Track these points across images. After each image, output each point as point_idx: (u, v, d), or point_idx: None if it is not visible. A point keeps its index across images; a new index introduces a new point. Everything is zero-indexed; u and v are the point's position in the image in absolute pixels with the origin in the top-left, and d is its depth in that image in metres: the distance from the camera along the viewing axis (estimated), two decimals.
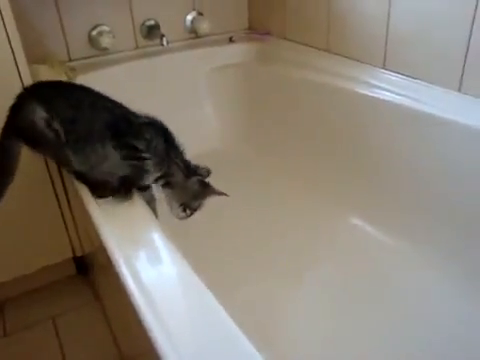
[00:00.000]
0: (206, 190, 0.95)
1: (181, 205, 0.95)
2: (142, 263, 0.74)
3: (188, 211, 0.95)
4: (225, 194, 0.96)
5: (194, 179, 0.95)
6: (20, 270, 1.32)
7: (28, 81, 1.13)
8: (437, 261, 1.19)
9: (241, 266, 1.24)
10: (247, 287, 1.18)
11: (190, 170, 0.96)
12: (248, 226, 1.39)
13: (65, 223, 1.32)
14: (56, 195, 1.28)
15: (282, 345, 1.04)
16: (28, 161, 1.23)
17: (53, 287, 1.40)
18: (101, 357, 1.22)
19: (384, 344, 1.04)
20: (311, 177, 1.54)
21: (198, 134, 1.73)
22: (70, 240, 1.35)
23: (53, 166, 1.23)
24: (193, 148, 1.69)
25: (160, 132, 0.94)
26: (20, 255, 1.30)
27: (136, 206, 0.89)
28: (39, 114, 0.85)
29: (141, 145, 0.90)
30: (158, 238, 0.80)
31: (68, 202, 1.30)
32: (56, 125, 0.85)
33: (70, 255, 1.37)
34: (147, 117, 0.96)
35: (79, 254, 1.38)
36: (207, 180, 0.98)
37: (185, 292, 0.69)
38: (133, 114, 0.95)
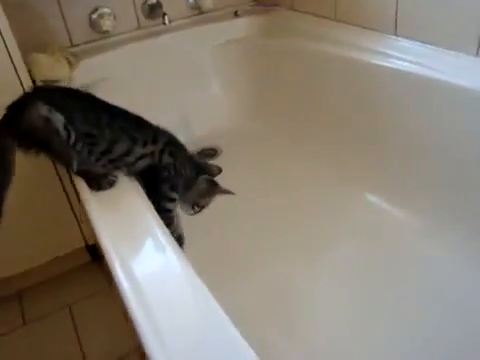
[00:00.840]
0: (214, 188, 0.98)
1: (190, 203, 0.99)
2: (136, 258, 0.72)
3: (197, 208, 0.99)
4: (232, 192, 0.99)
5: (202, 178, 0.97)
6: (34, 261, 1.34)
7: (24, 75, 1.11)
8: (452, 235, 1.15)
9: (256, 248, 1.22)
10: (264, 269, 1.17)
11: (199, 168, 0.99)
12: (262, 207, 1.36)
13: (75, 214, 1.32)
14: (63, 188, 1.28)
15: (301, 327, 1.03)
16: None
17: (69, 276, 1.41)
18: (117, 344, 1.22)
19: (402, 321, 1.02)
20: (324, 154, 1.49)
21: (206, 114, 1.70)
22: (81, 230, 1.35)
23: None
24: (202, 128, 1.70)
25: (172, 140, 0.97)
26: (33, 247, 1.32)
27: (133, 197, 0.87)
28: (56, 117, 0.81)
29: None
30: (155, 232, 0.77)
31: (77, 193, 1.29)
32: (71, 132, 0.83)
33: (82, 244, 1.37)
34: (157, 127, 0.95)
35: (91, 242, 1.39)
36: (215, 178, 1.01)
37: (180, 289, 0.66)
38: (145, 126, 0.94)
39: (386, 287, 1.10)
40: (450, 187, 1.17)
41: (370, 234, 1.25)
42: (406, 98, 1.22)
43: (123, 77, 1.53)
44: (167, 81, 1.65)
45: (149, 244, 0.76)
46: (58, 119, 0.81)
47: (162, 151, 0.92)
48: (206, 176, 0.98)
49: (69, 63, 1.40)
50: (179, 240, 1.02)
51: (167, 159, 0.93)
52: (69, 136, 0.82)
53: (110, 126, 0.86)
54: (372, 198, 1.34)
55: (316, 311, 1.08)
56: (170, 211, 0.96)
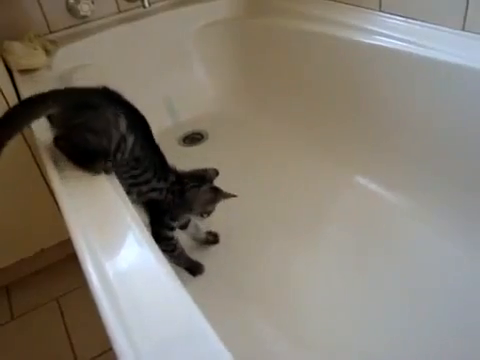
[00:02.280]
0: (217, 195, 1.01)
1: (199, 213, 1.03)
2: (109, 254, 0.70)
3: (205, 215, 1.03)
4: (234, 195, 1.02)
5: (205, 188, 1.00)
6: (20, 254, 1.33)
7: None
8: (442, 215, 1.14)
9: (243, 232, 1.22)
10: (253, 252, 1.16)
11: (199, 179, 1.01)
12: (249, 191, 1.33)
13: (58, 206, 1.30)
14: (45, 180, 1.25)
15: (292, 311, 1.03)
16: (14, 151, 1.21)
17: (56, 268, 1.40)
18: (106, 335, 1.21)
19: (391, 299, 1.02)
20: (311, 136, 1.46)
21: (191, 98, 1.67)
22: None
23: (39, 154, 1.19)
24: (187, 112, 1.67)
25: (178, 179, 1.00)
26: (19, 240, 1.31)
27: (108, 191, 0.83)
28: (129, 139, 0.84)
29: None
30: (130, 227, 0.74)
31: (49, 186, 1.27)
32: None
33: (67, 236, 1.35)
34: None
35: None
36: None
37: (153, 286, 0.64)
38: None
39: (376, 269, 1.09)
40: (440, 168, 1.15)
41: (359, 216, 1.24)
42: (392, 75, 1.19)
43: (104, 63, 1.50)
44: (150, 65, 1.61)
45: (124, 240, 0.74)
46: (129, 143, 0.84)
47: (168, 189, 0.97)
48: (208, 185, 1.01)
49: (46, 51, 1.36)
50: (195, 268, 1.10)
51: (170, 196, 0.98)
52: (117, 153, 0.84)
53: (150, 156, 0.91)
54: (361, 180, 1.32)
55: (305, 295, 1.07)
56: (171, 239, 1.03)
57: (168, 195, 0.97)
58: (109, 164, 0.85)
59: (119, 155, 0.85)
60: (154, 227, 1.00)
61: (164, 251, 1.01)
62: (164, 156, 0.96)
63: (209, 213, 1.04)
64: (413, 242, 1.14)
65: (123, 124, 0.83)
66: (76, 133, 0.83)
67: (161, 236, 1.01)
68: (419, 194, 1.20)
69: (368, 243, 1.15)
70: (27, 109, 0.80)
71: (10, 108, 0.81)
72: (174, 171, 0.99)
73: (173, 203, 0.99)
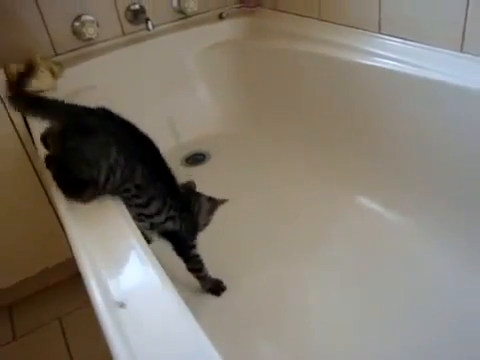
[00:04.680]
0: (214, 204, 1.03)
1: (202, 226, 1.04)
2: (114, 276, 0.70)
3: (205, 227, 1.05)
4: (225, 200, 1.03)
5: (203, 199, 1.02)
6: (24, 273, 1.33)
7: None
8: (441, 234, 1.14)
9: (246, 252, 1.22)
10: (255, 272, 1.16)
11: (191, 193, 1.02)
12: (251, 210, 1.35)
13: (62, 225, 1.31)
14: (49, 200, 1.26)
15: (292, 330, 1.03)
16: (19, 172, 1.23)
17: (59, 287, 1.40)
18: (107, 355, 1.21)
19: (392, 318, 1.02)
20: (312, 156, 1.48)
21: (193, 118, 1.69)
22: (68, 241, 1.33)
23: (44, 174, 1.21)
24: (189, 133, 1.69)
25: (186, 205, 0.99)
26: (22, 259, 1.31)
27: (112, 212, 0.84)
28: (117, 171, 0.81)
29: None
30: (134, 248, 0.74)
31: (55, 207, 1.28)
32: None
33: (70, 255, 1.35)
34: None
35: None
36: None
37: (156, 305, 0.64)
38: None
39: (377, 289, 1.09)
40: (439, 188, 1.16)
41: (360, 236, 1.24)
42: (391, 96, 1.21)
43: (108, 84, 1.52)
44: (153, 87, 1.63)
45: (128, 260, 0.74)
46: (118, 174, 0.81)
47: (179, 216, 0.96)
48: (203, 196, 1.02)
49: (52, 73, 1.38)
50: (217, 286, 1.11)
51: (183, 224, 0.98)
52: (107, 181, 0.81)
53: (155, 183, 0.87)
54: (362, 199, 1.33)
55: (307, 313, 1.06)
56: (197, 256, 1.05)
57: (182, 224, 0.97)
58: (97, 193, 0.83)
59: (108, 186, 0.82)
60: (182, 256, 1.03)
61: (191, 270, 1.05)
62: (175, 181, 0.94)
63: (208, 223, 1.05)
64: (413, 261, 1.14)
65: (113, 153, 0.80)
66: (68, 159, 0.82)
67: (189, 256, 1.03)
68: (419, 213, 1.20)
69: (369, 262, 1.16)
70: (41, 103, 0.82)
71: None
72: (180, 195, 0.97)
73: (186, 228, 0.99)
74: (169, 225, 0.95)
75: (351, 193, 1.35)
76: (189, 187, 1.04)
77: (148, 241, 1.14)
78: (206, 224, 1.04)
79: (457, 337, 0.95)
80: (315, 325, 1.04)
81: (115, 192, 0.84)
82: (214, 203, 1.03)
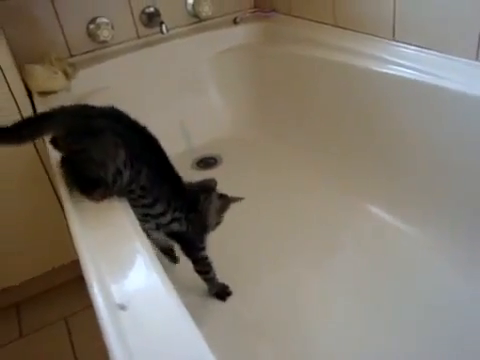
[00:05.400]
0: (227, 201, 1.02)
1: (214, 224, 1.03)
2: (115, 278, 0.70)
3: (218, 225, 1.04)
4: (241, 198, 1.02)
5: (214, 196, 1.00)
6: (31, 272, 1.34)
7: (18, 87, 1.11)
8: (453, 245, 1.12)
9: (258, 257, 1.21)
10: (262, 278, 1.16)
11: (205, 189, 1.01)
12: (263, 216, 1.34)
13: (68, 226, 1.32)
14: (58, 200, 1.27)
15: (304, 336, 1.02)
16: (29, 172, 1.24)
17: (65, 287, 1.40)
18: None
19: (397, 331, 0.99)
20: (324, 163, 1.46)
21: (206, 122, 1.69)
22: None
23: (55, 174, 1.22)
24: (201, 137, 1.69)
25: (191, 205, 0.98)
26: (30, 258, 1.32)
27: (119, 214, 0.84)
28: (125, 175, 0.81)
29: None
30: (139, 251, 0.74)
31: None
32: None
33: (76, 257, 1.36)
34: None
35: None
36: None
37: (158, 310, 0.64)
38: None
39: (387, 298, 1.07)
40: (451, 198, 1.13)
41: (371, 245, 1.22)
42: (406, 104, 1.19)
43: (122, 86, 1.53)
44: (166, 90, 1.64)
45: (132, 265, 0.74)
46: (126, 175, 0.81)
47: (185, 218, 0.95)
48: (215, 194, 1.01)
49: (66, 74, 1.40)
50: (223, 291, 1.10)
51: (190, 226, 0.97)
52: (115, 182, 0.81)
53: (160, 185, 0.87)
54: (373, 209, 1.31)
55: (315, 324, 1.05)
56: (206, 258, 1.03)
57: (189, 225, 0.96)
58: (108, 192, 0.83)
59: (116, 187, 0.82)
60: (190, 257, 1.02)
61: (198, 272, 1.04)
62: (181, 182, 0.94)
63: (221, 222, 1.04)
64: (425, 272, 1.12)
65: (122, 154, 0.80)
66: (77, 159, 0.82)
67: (198, 258, 1.02)
68: (432, 224, 1.18)
69: (379, 272, 1.14)
70: (34, 124, 0.81)
71: (21, 120, 0.82)
72: (184, 196, 0.96)
73: (194, 229, 0.98)
74: (175, 226, 0.94)
75: (363, 202, 1.33)
76: (205, 185, 1.03)
77: (175, 260, 1.16)
78: (219, 223, 1.03)
79: (467, 353, 0.93)
80: (319, 337, 1.02)
81: (121, 193, 0.85)
82: (226, 200, 1.02)
